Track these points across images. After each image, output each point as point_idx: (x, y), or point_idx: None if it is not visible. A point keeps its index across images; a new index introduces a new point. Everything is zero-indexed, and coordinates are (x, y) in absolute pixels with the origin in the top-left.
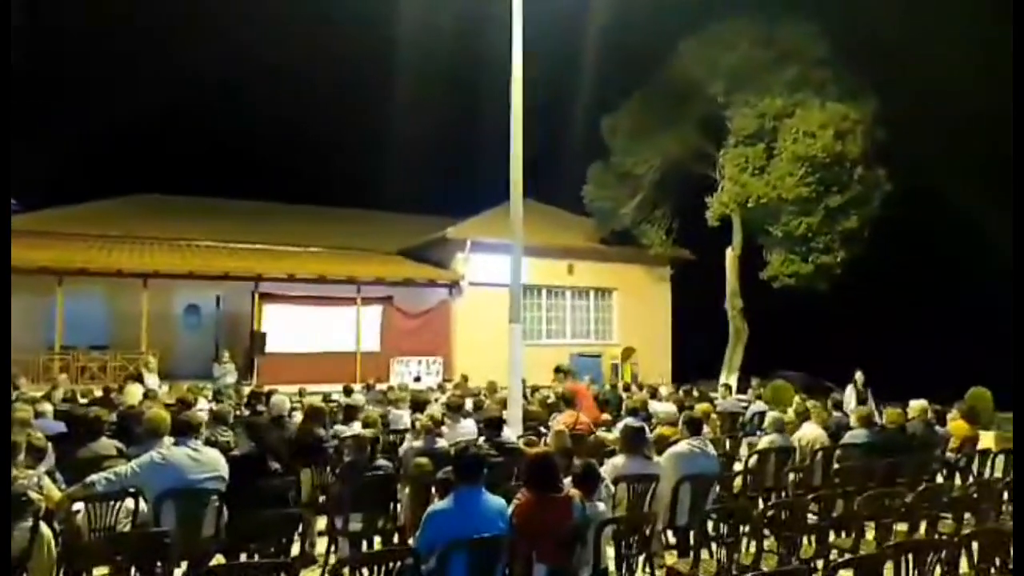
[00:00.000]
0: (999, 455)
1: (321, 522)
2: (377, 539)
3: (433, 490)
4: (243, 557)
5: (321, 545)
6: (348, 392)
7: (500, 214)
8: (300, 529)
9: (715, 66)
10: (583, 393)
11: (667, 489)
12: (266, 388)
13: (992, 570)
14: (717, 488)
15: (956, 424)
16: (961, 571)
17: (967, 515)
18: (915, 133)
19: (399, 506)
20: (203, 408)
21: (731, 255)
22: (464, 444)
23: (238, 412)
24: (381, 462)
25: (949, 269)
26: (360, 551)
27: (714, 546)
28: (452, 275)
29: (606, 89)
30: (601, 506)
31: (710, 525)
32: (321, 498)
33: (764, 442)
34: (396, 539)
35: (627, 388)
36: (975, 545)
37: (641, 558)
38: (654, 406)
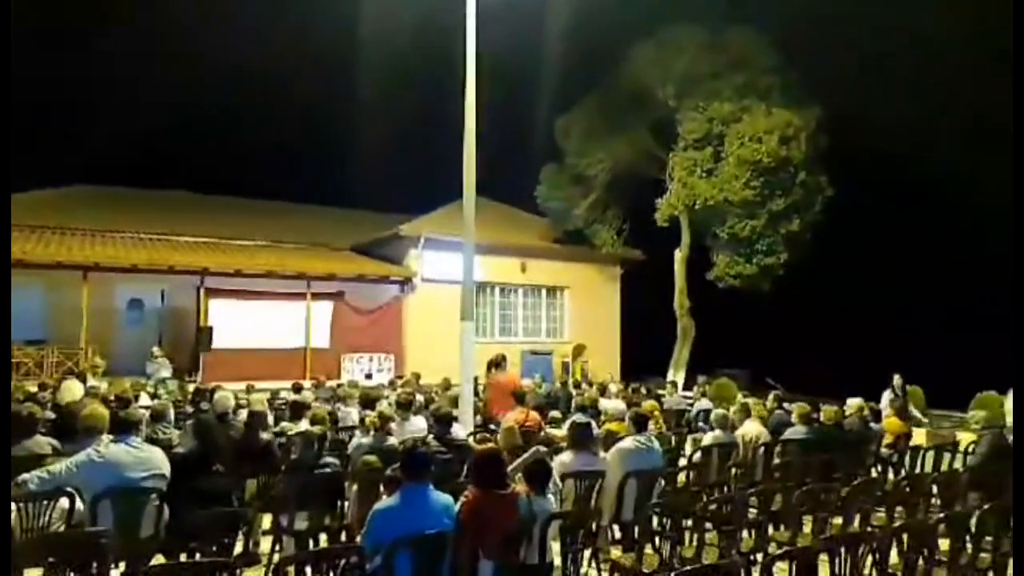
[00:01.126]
0: (929, 451)
1: (266, 521)
2: (323, 537)
3: (382, 488)
4: (184, 557)
5: (265, 544)
6: (297, 389)
7: (454, 211)
8: (243, 528)
9: (666, 71)
10: (499, 387)
11: (613, 484)
12: (211, 385)
13: (920, 561)
14: (662, 483)
15: (890, 421)
16: (891, 562)
17: (899, 508)
18: (856, 140)
19: (347, 504)
20: (145, 405)
21: (679, 256)
22: (413, 441)
23: (182, 409)
24: (328, 460)
25: (885, 272)
26: (306, 550)
27: (658, 540)
28: (405, 272)
29: (561, 91)
30: (548, 502)
31: (655, 520)
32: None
33: (708, 438)
34: (344, 537)
35: (577, 385)
36: (905, 537)
37: (587, 553)
38: (603, 403)
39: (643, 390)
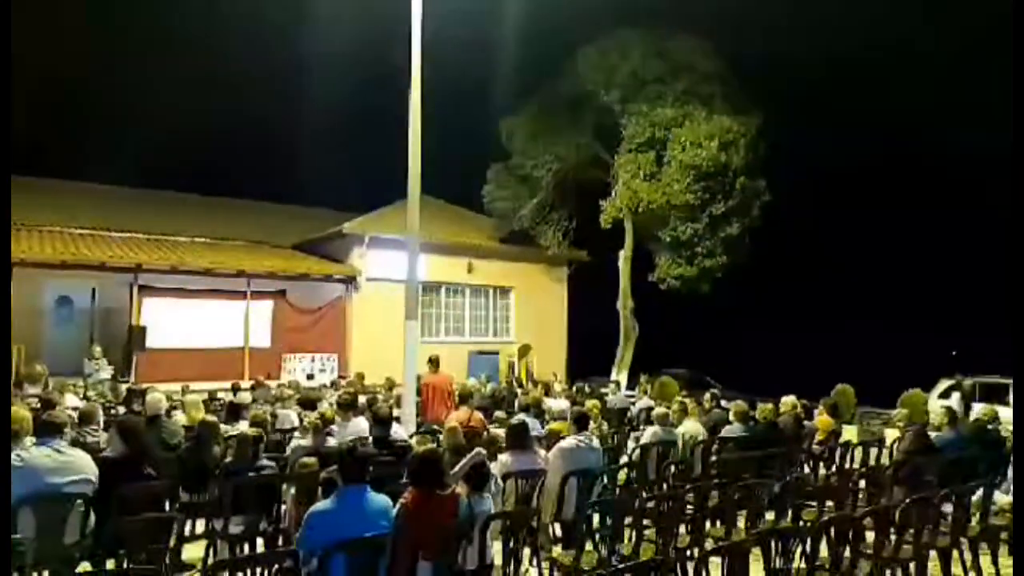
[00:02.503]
0: (858, 447)
1: (200, 526)
2: (260, 541)
3: (320, 490)
4: (111, 564)
5: (199, 549)
6: (235, 390)
7: (399, 210)
8: (174, 533)
9: (611, 75)
10: (436, 386)
11: (554, 483)
12: (144, 385)
13: (847, 553)
14: (605, 480)
15: (822, 419)
16: (821, 555)
17: (828, 503)
18: (794, 147)
19: (284, 507)
20: (73, 406)
21: (623, 257)
22: (352, 442)
23: (113, 411)
24: (264, 462)
25: (819, 275)
26: (240, 554)
27: (598, 538)
28: (349, 270)
29: (508, 91)
30: (488, 502)
31: (595, 518)
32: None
33: (647, 434)
34: (281, 541)
35: (520, 385)
36: (833, 531)
37: (528, 552)
38: (547, 403)
39: (587, 389)
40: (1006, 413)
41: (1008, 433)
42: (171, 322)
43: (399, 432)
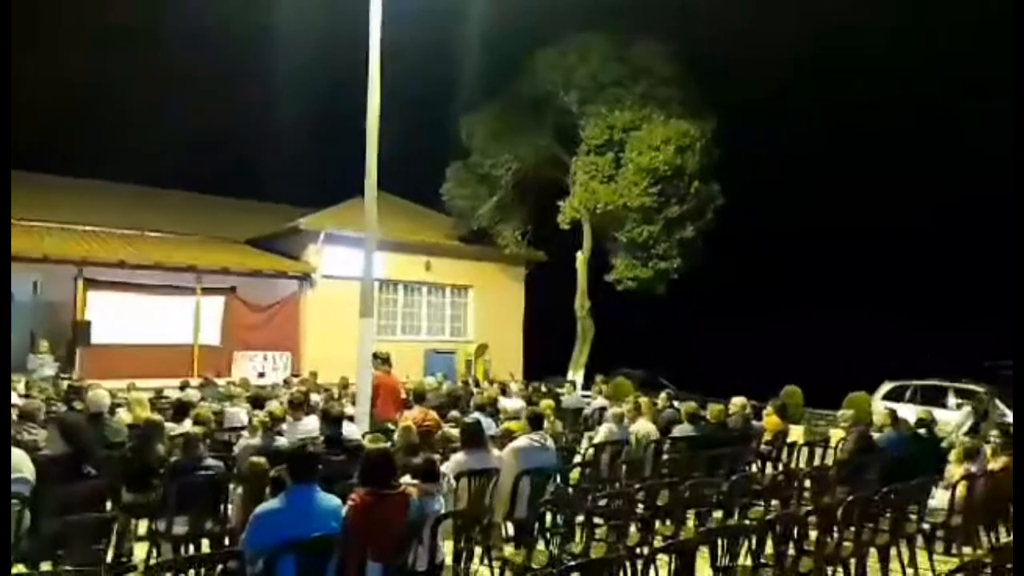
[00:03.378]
0: (804, 447)
1: (143, 526)
2: (205, 542)
3: (268, 490)
4: (48, 566)
5: (141, 551)
6: (184, 388)
7: (356, 206)
8: (115, 534)
9: (570, 76)
10: (386, 385)
11: (507, 482)
12: (87, 382)
13: (790, 551)
14: (558, 479)
15: (770, 419)
16: (767, 552)
17: (775, 502)
18: (748, 152)
19: (230, 507)
20: (13, 403)
21: (581, 258)
22: (301, 441)
23: (53, 408)
24: (211, 462)
25: (770, 278)
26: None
27: (550, 536)
28: (303, 267)
29: (469, 89)
30: (439, 502)
31: (548, 517)
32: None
33: (601, 433)
34: (228, 542)
35: (477, 384)
36: (778, 529)
37: (480, 551)
38: (503, 402)
39: (543, 389)
40: (942, 415)
41: (944, 434)
42: (118, 317)
43: (351, 431)
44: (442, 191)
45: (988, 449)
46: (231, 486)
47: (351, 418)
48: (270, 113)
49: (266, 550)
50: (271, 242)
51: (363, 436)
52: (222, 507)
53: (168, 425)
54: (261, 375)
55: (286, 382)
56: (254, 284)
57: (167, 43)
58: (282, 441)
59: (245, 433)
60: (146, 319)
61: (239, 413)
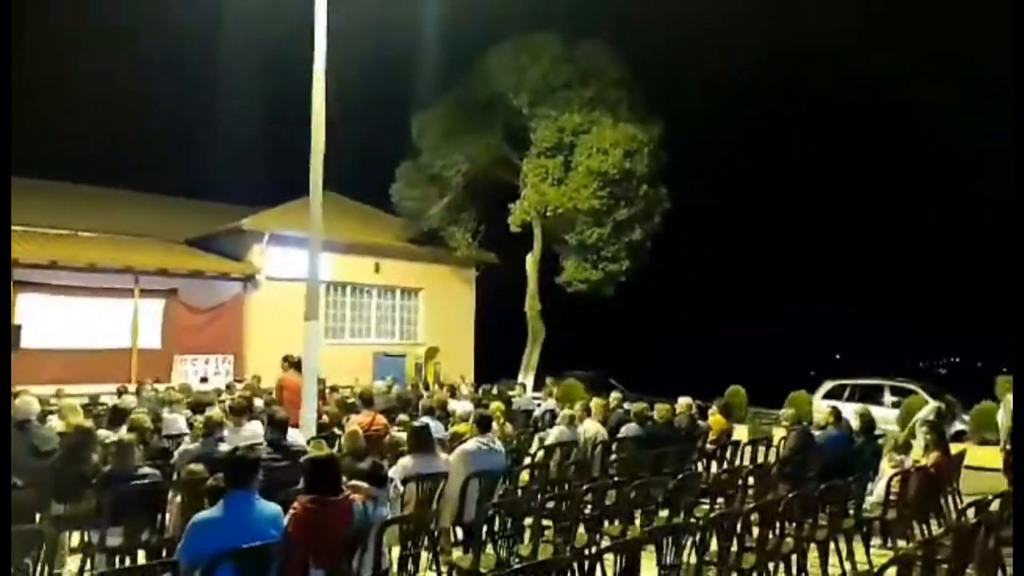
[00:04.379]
0: (748, 445)
1: (76, 538)
2: (141, 554)
3: (208, 499)
4: None
5: (74, 564)
6: (121, 394)
7: (302, 206)
8: (44, 547)
9: (521, 78)
10: (290, 387)
11: (456, 486)
12: (16, 388)
13: (733, 547)
14: (507, 482)
15: (715, 418)
16: (711, 549)
17: (719, 499)
18: (694, 157)
19: (168, 517)
20: None
21: (531, 260)
22: (242, 448)
23: None
24: (147, 470)
25: (716, 280)
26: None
27: (498, 539)
28: (247, 268)
29: (419, 90)
30: (384, 507)
31: (497, 520)
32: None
33: (552, 435)
34: (165, 553)
35: (426, 387)
36: (722, 526)
37: (427, 556)
38: (452, 405)
39: (494, 391)
40: (879, 412)
41: (880, 431)
42: (50, 320)
43: (296, 437)
44: (392, 192)
45: (921, 445)
46: (169, 495)
47: (295, 423)
48: (215, 110)
49: (202, 560)
50: (213, 242)
51: (308, 442)
52: (159, 517)
53: (103, 433)
54: (203, 380)
55: (229, 387)
56: (196, 286)
57: (104, 39)
58: (223, 448)
59: (184, 440)
60: (80, 322)
61: (179, 419)
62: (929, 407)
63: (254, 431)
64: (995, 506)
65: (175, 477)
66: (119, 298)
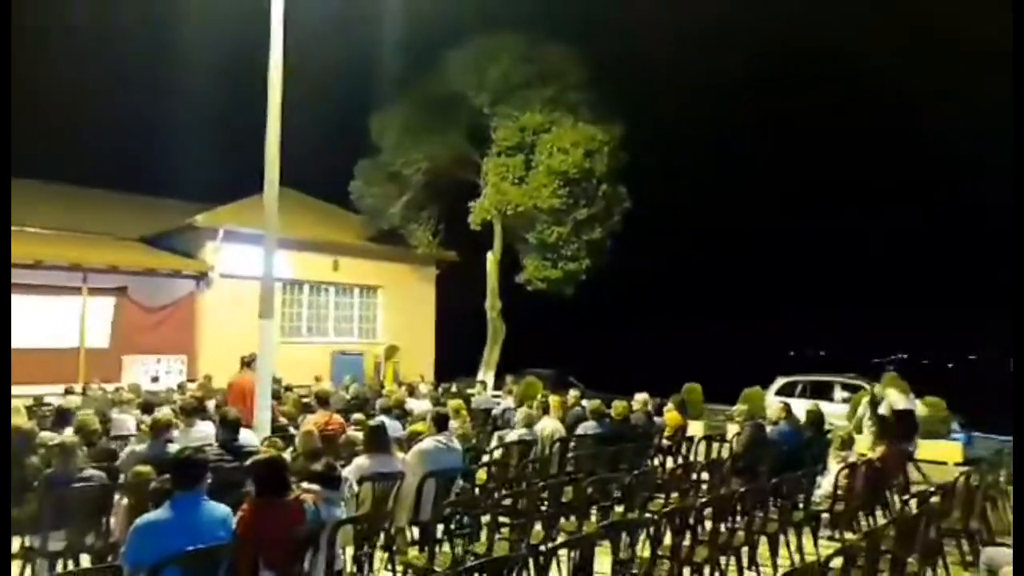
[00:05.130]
0: (702, 441)
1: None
2: (85, 558)
3: (154, 501)
4: None
5: (15, 569)
6: (68, 394)
7: (257, 203)
8: None
9: (482, 77)
10: (240, 388)
11: (412, 485)
12: None
13: (686, 541)
14: (461, 482)
15: (671, 415)
16: (665, 543)
17: (674, 494)
18: (654, 157)
19: (113, 520)
20: None
21: (492, 258)
22: (191, 448)
23: None
24: (91, 472)
25: (674, 279)
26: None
27: (455, 538)
28: (200, 266)
29: (379, 86)
30: (338, 508)
31: (454, 518)
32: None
33: (512, 435)
34: (111, 558)
35: (382, 386)
36: (676, 520)
37: (383, 555)
38: (411, 404)
39: (453, 390)
40: (829, 408)
41: (830, 426)
42: None
43: (248, 437)
44: (351, 189)
45: (867, 439)
46: (115, 497)
47: (248, 424)
48: (170, 106)
49: (147, 563)
50: (166, 240)
51: (262, 442)
52: (105, 520)
53: (47, 435)
54: (154, 380)
55: (180, 387)
56: (147, 284)
57: (55, 33)
58: (173, 449)
59: (132, 440)
60: (26, 321)
61: (128, 420)
62: (864, 402)
63: (206, 432)
64: (936, 498)
65: (122, 479)
66: (66, 296)
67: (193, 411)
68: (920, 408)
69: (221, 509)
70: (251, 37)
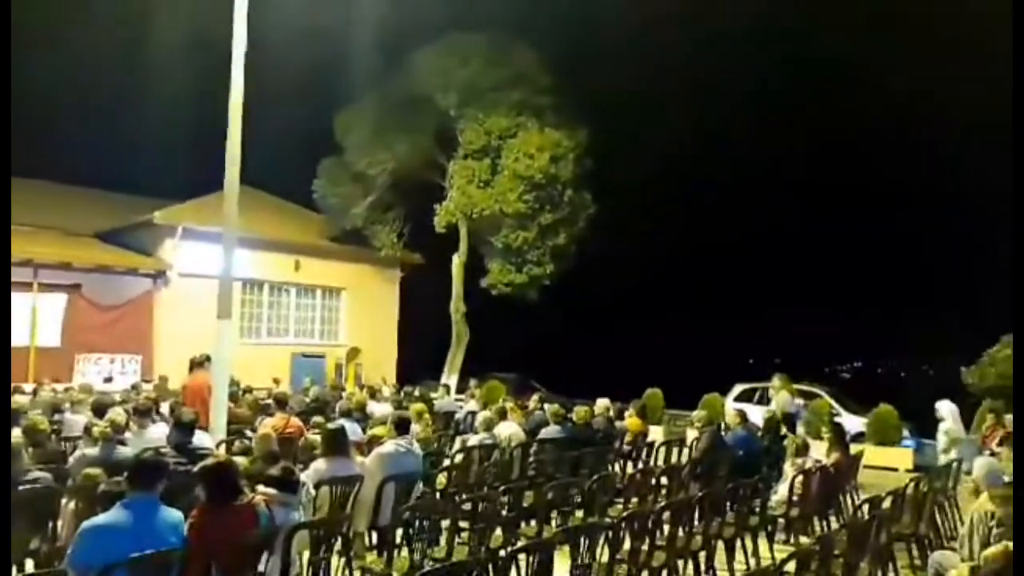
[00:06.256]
0: (662, 446)
1: None
2: (30, 563)
3: (102, 505)
4: None
5: None
6: (15, 394)
7: (218, 200)
8: None
9: (449, 79)
10: (195, 389)
11: (371, 489)
12: None
13: (644, 546)
14: (420, 486)
15: (632, 420)
16: (624, 548)
17: (634, 499)
18: (618, 164)
19: (60, 524)
20: None
21: (457, 262)
22: (146, 450)
23: None
24: (37, 474)
25: (637, 285)
26: None
27: (414, 542)
28: (158, 263)
29: (344, 86)
30: (293, 512)
31: (415, 523)
32: None
33: (474, 439)
34: (57, 563)
35: (343, 389)
36: (634, 525)
37: (340, 560)
38: (372, 407)
39: (415, 393)
40: None
41: (786, 432)
42: None
43: (203, 439)
44: (314, 188)
45: (824, 445)
46: (63, 500)
47: (203, 426)
48: (130, 100)
49: (94, 567)
50: (123, 236)
51: (218, 445)
52: (51, 524)
53: None
54: (108, 380)
55: (135, 387)
56: (101, 281)
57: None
58: (125, 451)
59: (82, 443)
60: None
61: (79, 421)
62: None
63: (160, 434)
64: (887, 503)
65: (71, 483)
66: (16, 292)
67: (147, 412)
68: (809, 413)
69: (174, 514)
70: (216, 32)
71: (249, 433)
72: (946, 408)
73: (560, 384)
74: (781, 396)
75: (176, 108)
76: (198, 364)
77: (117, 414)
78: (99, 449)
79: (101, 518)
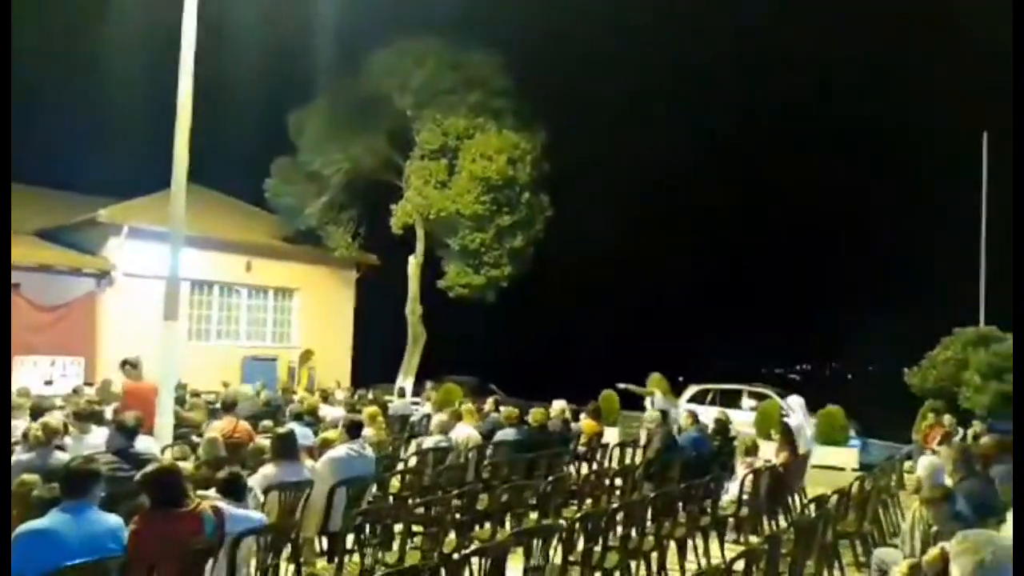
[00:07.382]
0: (616, 447)
1: None
2: None
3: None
4: None
5: None
6: None
7: (165, 199)
8: None
9: (405, 79)
10: (134, 393)
11: (321, 494)
12: None
13: (597, 547)
14: (373, 490)
15: (587, 422)
16: (577, 549)
17: (588, 500)
18: (576, 168)
19: None
20: None
21: (413, 263)
22: (83, 456)
23: None
24: None
25: (594, 287)
26: None
27: (365, 547)
28: (102, 263)
29: (298, 85)
30: (241, 518)
31: (367, 527)
32: None
33: (429, 442)
34: None
35: (293, 392)
36: (589, 526)
37: (290, 567)
38: (324, 410)
39: (370, 396)
40: (737, 416)
41: (736, 433)
42: None
43: (147, 444)
44: (266, 187)
45: (774, 445)
46: None
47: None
48: (75, 93)
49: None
50: (65, 234)
51: (163, 450)
52: None
53: None
54: (48, 383)
55: (76, 391)
56: (42, 280)
57: None
58: (62, 457)
59: (18, 448)
60: None
61: (18, 426)
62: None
63: (101, 439)
64: (833, 502)
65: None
66: None
67: (88, 417)
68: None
69: (112, 519)
70: (166, 25)
71: (195, 438)
72: (795, 401)
73: (517, 387)
74: (656, 394)
75: (123, 104)
76: (131, 365)
77: (54, 418)
78: (36, 455)
79: (35, 523)
